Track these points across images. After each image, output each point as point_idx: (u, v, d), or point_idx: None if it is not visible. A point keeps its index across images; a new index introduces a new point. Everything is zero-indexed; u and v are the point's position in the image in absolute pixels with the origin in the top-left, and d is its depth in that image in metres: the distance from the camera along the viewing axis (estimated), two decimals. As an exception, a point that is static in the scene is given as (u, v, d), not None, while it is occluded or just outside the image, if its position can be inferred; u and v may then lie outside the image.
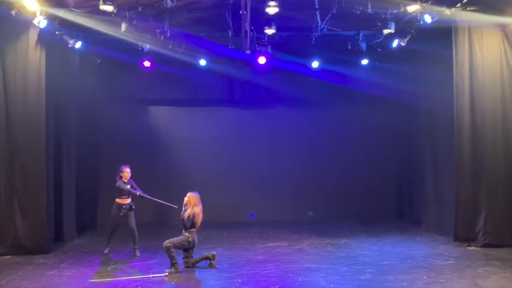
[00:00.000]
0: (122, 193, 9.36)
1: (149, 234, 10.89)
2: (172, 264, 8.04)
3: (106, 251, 9.47)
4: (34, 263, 8.69)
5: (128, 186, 9.40)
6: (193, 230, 8.44)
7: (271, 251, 9.60)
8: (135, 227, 9.40)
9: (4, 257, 9.11)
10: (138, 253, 9.33)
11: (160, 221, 12.73)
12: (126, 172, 9.44)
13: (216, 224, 12.15)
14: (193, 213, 8.37)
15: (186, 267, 8.37)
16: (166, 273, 7.88)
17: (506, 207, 9.47)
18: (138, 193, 9.38)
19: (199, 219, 8.45)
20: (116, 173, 9.57)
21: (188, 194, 8.56)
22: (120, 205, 9.37)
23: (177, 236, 8.40)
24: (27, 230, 9.36)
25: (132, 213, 9.44)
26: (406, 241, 10.38)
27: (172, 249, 8.11)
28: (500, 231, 9.43)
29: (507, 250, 9.08)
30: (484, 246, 9.37)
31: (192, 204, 8.43)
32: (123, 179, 9.41)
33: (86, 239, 11.12)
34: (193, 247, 8.50)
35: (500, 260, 8.45)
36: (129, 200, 9.44)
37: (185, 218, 8.36)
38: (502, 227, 9.44)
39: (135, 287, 7.28)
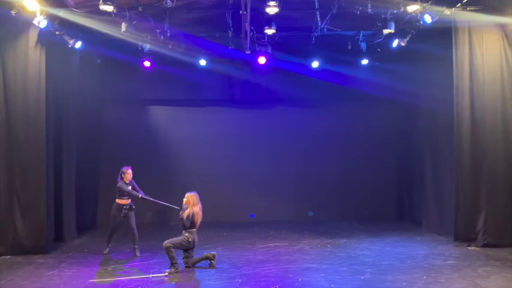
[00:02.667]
0: (123, 194, 9.34)
1: (149, 234, 10.90)
2: (173, 264, 8.04)
3: (106, 251, 9.46)
4: (34, 263, 8.68)
5: (130, 188, 9.37)
6: (193, 230, 8.44)
7: (271, 251, 9.60)
8: (135, 227, 9.40)
9: (4, 257, 9.11)
10: (138, 253, 9.33)
11: (161, 221, 12.74)
12: (128, 173, 9.41)
13: (216, 224, 12.16)
14: (193, 213, 8.37)
15: (186, 267, 8.37)
16: (166, 273, 7.88)
17: (506, 207, 9.47)
18: (140, 195, 9.33)
19: (198, 219, 8.45)
20: (116, 173, 9.56)
21: (187, 195, 8.54)
22: (121, 206, 9.36)
23: (177, 236, 8.40)
24: (27, 230, 9.35)
25: (132, 213, 9.44)
26: (406, 241, 10.38)
27: (172, 249, 8.11)
28: (500, 231, 9.43)
29: (507, 250, 9.07)
30: (484, 246, 9.37)
31: (191, 204, 8.43)
32: (124, 180, 9.38)
33: (86, 239, 11.12)
34: (193, 247, 8.50)
35: (500, 260, 8.45)
36: (129, 201, 9.42)
37: (184, 218, 8.35)
38: (502, 227, 9.44)
39: (135, 287, 7.28)
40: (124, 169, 9.46)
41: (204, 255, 8.54)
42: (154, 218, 12.92)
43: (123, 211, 9.32)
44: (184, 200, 8.51)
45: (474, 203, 9.61)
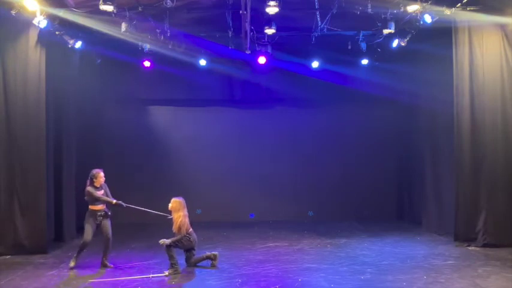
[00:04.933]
0: (95, 199, 8.28)
1: (150, 234, 10.89)
2: (171, 265, 8.01)
3: (72, 264, 8.33)
4: (34, 263, 8.69)
5: (102, 192, 8.34)
6: (190, 230, 8.39)
7: (271, 251, 9.60)
8: (111, 237, 8.42)
9: (4, 257, 9.11)
10: (109, 263, 8.48)
11: (161, 221, 12.70)
12: (100, 177, 8.33)
13: (216, 224, 12.17)
14: (181, 220, 8.27)
15: (187, 266, 8.37)
16: (166, 274, 7.87)
17: (506, 207, 9.47)
18: (114, 201, 8.28)
19: (187, 221, 8.34)
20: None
21: (172, 200, 8.40)
22: (94, 212, 8.31)
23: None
24: (27, 230, 9.36)
25: (108, 221, 8.45)
26: (406, 241, 10.38)
27: (173, 249, 8.10)
28: (500, 231, 9.44)
29: (507, 250, 9.08)
30: (484, 246, 9.38)
31: (176, 210, 8.30)
32: (95, 184, 8.30)
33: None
34: (194, 246, 8.49)
35: (500, 260, 8.46)
36: (103, 206, 8.39)
37: (176, 231, 8.27)
38: (502, 227, 9.44)
39: (135, 287, 7.28)
40: (95, 172, 8.35)
41: (205, 254, 8.53)
42: (155, 218, 12.88)
43: (98, 218, 8.31)
44: (170, 205, 8.41)
45: (474, 203, 9.61)
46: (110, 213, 8.49)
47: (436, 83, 11.00)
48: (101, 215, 8.34)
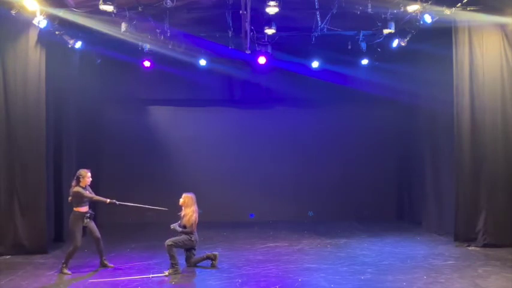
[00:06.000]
0: (82, 200, 8.04)
1: (150, 234, 10.90)
2: (172, 265, 8.01)
3: (66, 270, 8.04)
4: (34, 263, 8.69)
5: (87, 193, 8.13)
6: (194, 229, 8.45)
7: (271, 251, 9.60)
8: (100, 237, 8.29)
9: (4, 257, 9.11)
10: (109, 263, 8.45)
11: (161, 221, 12.71)
12: (88, 177, 8.10)
13: (216, 224, 12.16)
14: (192, 217, 8.35)
15: (187, 266, 8.37)
16: (166, 274, 7.87)
17: (506, 207, 9.47)
18: (108, 200, 8.09)
19: (196, 219, 8.42)
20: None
21: (183, 195, 8.50)
22: (82, 214, 8.05)
23: (179, 236, 8.37)
24: (27, 230, 9.36)
25: (93, 222, 8.29)
26: (406, 241, 10.38)
27: (174, 249, 8.09)
28: (500, 231, 9.44)
29: (507, 250, 9.08)
30: (484, 246, 9.38)
31: (188, 205, 8.39)
32: (81, 185, 8.05)
33: (85, 239, 11.05)
34: (195, 246, 8.50)
35: (500, 260, 8.46)
36: (88, 208, 8.18)
37: (188, 225, 8.32)
38: (502, 227, 9.44)
39: (135, 287, 7.28)
40: (83, 172, 8.09)
41: (205, 255, 8.54)
42: (154, 218, 12.89)
43: (85, 220, 8.08)
44: (181, 200, 8.49)
45: (474, 203, 9.61)
46: (94, 213, 8.33)
47: (436, 83, 11.00)
48: (87, 217, 8.13)
